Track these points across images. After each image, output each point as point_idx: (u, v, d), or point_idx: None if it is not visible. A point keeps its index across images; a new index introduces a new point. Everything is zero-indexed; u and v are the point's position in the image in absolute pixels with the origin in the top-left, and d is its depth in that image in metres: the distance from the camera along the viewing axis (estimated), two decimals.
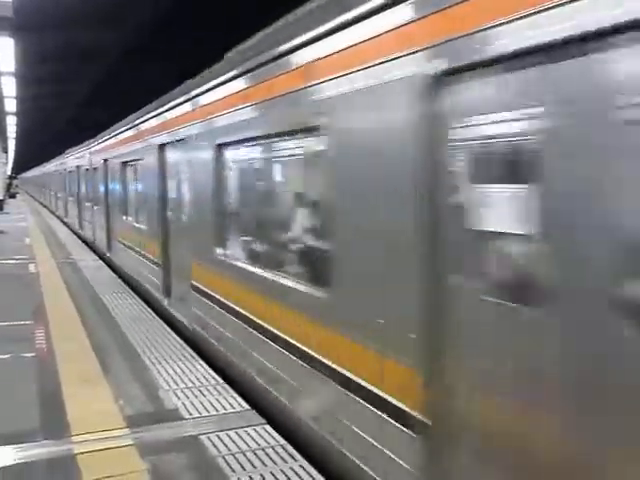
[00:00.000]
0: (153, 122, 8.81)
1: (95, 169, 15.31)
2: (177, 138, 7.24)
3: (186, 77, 7.45)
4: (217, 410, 4.71)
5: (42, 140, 45.73)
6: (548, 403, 2.30)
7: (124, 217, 11.38)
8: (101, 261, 13.24)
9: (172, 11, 13.77)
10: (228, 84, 5.47)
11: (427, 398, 2.82)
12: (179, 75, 8.31)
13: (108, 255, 13.23)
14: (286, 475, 3.68)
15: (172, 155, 7.77)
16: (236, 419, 4.53)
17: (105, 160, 13.33)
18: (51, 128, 38.34)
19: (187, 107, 6.93)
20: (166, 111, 7.94)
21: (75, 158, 20.51)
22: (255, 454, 3.95)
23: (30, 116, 30.91)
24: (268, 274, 4.79)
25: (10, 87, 20.63)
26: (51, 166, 33.71)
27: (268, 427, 4.38)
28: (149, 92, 10.38)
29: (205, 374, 5.55)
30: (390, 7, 3.03)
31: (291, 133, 4.46)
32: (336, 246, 3.61)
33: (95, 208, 15.36)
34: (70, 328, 7.19)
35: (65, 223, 23.77)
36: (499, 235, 2.52)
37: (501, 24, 2.36)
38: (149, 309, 8.29)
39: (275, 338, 4.54)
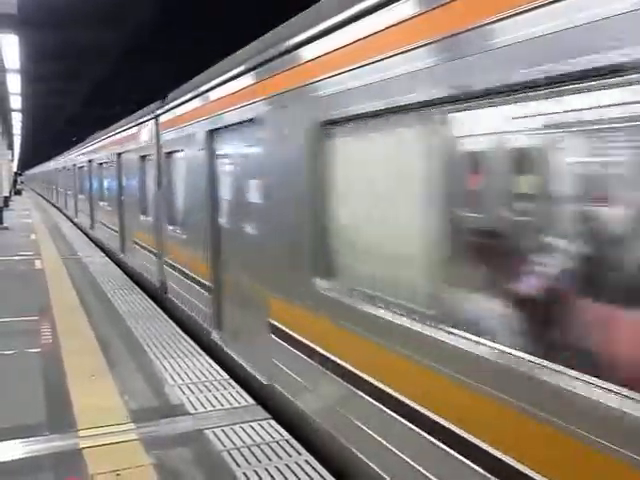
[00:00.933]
0: None
1: (171, 155, 8.14)
2: None
3: (186, 77, 7.39)
4: (222, 405, 4.72)
5: (47, 137, 45.87)
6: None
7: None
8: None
9: (173, 10, 13.77)
10: None
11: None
12: (179, 75, 8.31)
13: (217, 335, 6.22)
14: (291, 469, 3.69)
15: None
16: (241, 414, 4.55)
17: (212, 131, 6.23)
18: (56, 125, 38.44)
19: None
20: None
21: (114, 143, 12.81)
22: (260, 448, 3.97)
23: (35, 113, 31.01)
24: None
25: (15, 84, 20.68)
26: (65, 159, 26.71)
27: (273, 422, 4.40)
28: (150, 91, 10.38)
29: (210, 369, 5.57)
30: None
31: None
32: None
33: (180, 236, 7.62)
34: (76, 323, 7.22)
35: (94, 241, 16.15)
36: None
37: None
38: (154, 304, 8.29)
39: None
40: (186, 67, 8.30)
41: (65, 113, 31.87)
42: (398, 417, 3.17)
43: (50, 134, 42.87)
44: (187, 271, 7.32)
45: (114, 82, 21.56)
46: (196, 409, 4.65)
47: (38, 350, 6.15)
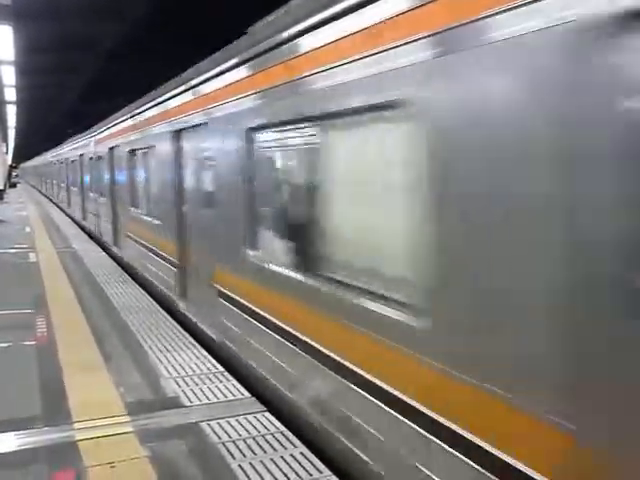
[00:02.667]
0: None
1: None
2: None
3: (185, 69, 7.33)
4: (218, 398, 4.72)
5: (42, 130, 45.64)
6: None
7: None
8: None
9: (170, 5, 13.69)
10: None
11: None
12: (178, 67, 8.26)
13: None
14: (286, 461, 3.70)
15: None
16: (236, 406, 4.55)
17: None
18: (51, 118, 38.23)
19: None
20: None
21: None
22: (255, 441, 3.97)
23: (30, 106, 30.82)
24: None
25: (9, 76, 20.55)
26: (81, 144, 18.65)
27: (268, 414, 4.40)
28: (148, 84, 10.32)
29: (206, 362, 5.57)
30: None
31: None
32: None
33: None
34: (71, 316, 7.21)
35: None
36: None
37: None
38: (150, 298, 8.29)
39: None
40: (184, 59, 8.26)
41: (62, 106, 31.69)
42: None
43: (46, 127, 42.65)
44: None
45: (112, 75, 21.43)
46: (192, 402, 4.65)
47: (33, 343, 6.13)
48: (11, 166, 62.62)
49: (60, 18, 14.44)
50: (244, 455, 3.78)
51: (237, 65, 5.25)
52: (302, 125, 4.22)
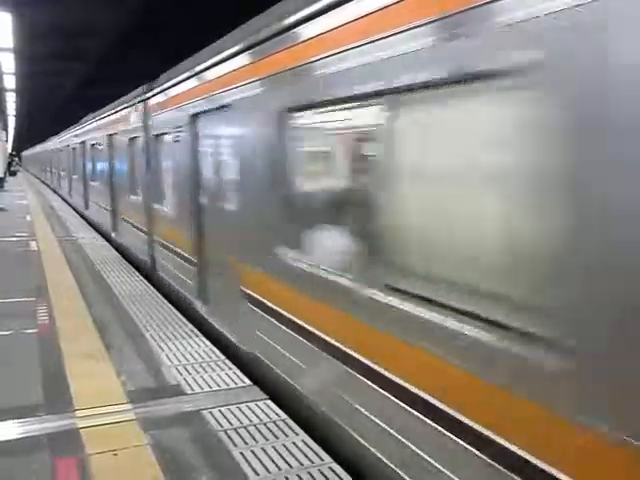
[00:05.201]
0: None
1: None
2: None
3: (185, 57, 7.27)
4: (219, 385, 4.73)
5: (43, 118, 45.46)
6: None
7: None
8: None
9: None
10: None
11: None
12: (178, 54, 8.19)
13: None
14: (288, 449, 3.71)
15: None
16: (238, 394, 4.56)
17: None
18: (52, 106, 38.07)
19: None
20: None
21: None
22: (257, 428, 3.98)
23: (31, 93, 30.68)
24: None
25: (9, 63, 20.45)
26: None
27: (270, 402, 4.41)
28: (149, 72, 10.24)
29: (207, 350, 5.58)
30: None
31: None
32: None
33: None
34: (72, 305, 7.21)
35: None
36: None
37: None
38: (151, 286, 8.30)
39: None
40: (185, 46, 8.19)
41: (63, 93, 31.55)
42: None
43: (48, 115, 42.48)
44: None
45: (113, 62, 21.30)
46: (193, 390, 4.65)
47: (35, 331, 6.14)
48: (11, 154, 62.51)
49: (60, 3, 14.33)
50: (246, 443, 3.79)
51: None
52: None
